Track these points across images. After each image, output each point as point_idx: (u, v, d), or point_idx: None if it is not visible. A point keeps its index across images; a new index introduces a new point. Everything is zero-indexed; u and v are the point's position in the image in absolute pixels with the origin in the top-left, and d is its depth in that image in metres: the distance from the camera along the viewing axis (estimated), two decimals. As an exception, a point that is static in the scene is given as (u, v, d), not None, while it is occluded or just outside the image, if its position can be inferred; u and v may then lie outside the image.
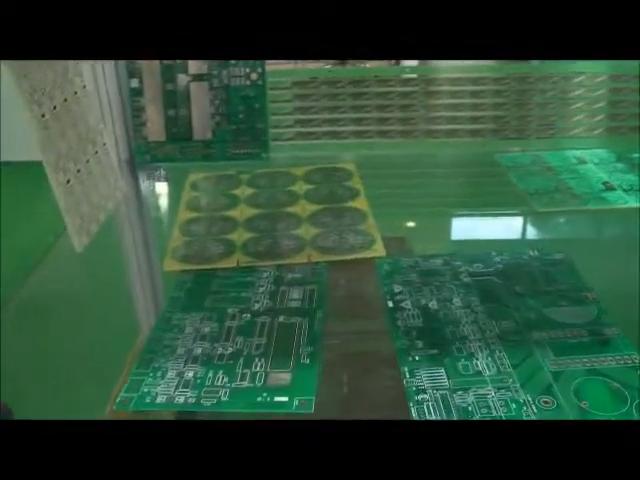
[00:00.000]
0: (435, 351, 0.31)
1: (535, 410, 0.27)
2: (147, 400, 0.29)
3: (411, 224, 0.45)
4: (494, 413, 0.27)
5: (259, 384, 0.29)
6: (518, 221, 0.45)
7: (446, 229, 0.44)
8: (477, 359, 0.30)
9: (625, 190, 0.42)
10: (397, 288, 0.35)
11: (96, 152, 0.44)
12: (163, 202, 0.49)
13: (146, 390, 0.29)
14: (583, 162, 0.47)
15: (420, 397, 0.28)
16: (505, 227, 0.44)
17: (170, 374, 0.30)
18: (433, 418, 0.27)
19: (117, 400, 0.29)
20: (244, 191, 0.47)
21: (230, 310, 0.34)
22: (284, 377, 0.30)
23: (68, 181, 0.40)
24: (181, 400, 0.29)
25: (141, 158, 0.50)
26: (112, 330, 0.35)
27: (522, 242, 0.40)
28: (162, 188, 0.51)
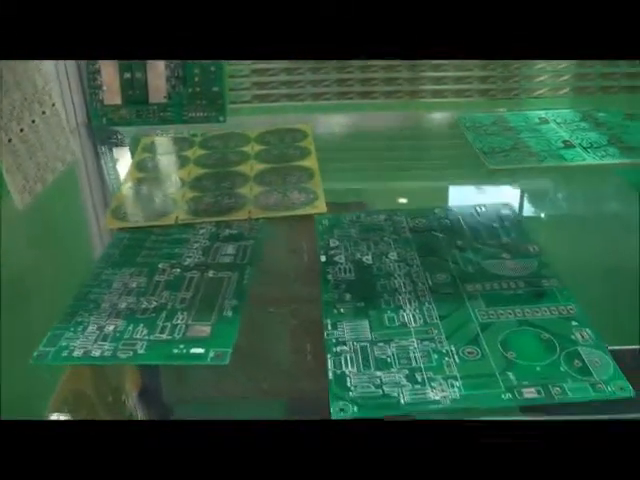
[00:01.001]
0: (362, 304, 0.30)
1: (457, 360, 0.26)
2: (64, 354, 0.28)
3: (367, 186, 0.44)
4: (413, 364, 0.26)
5: (178, 336, 0.28)
6: (469, 179, 0.43)
7: (401, 190, 0.43)
8: (404, 311, 0.29)
9: (584, 148, 0.41)
10: (333, 243, 0.34)
11: (43, 112, 0.43)
12: (118, 165, 0.48)
13: (64, 344, 0.29)
14: (545, 122, 0.45)
15: (339, 349, 0.27)
16: (456, 185, 0.43)
17: (91, 328, 0.29)
18: (349, 370, 0.26)
19: (34, 354, 0.29)
20: (195, 152, 0.46)
21: (161, 265, 0.33)
22: (204, 329, 0.29)
23: (10, 140, 0.39)
24: (97, 353, 0.28)
25: (97, 121, 0.50)
26: (57, 288, 0.35)
27: (470, 199, 0.39)
28: (118, 151, 0.50)
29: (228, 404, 0.31)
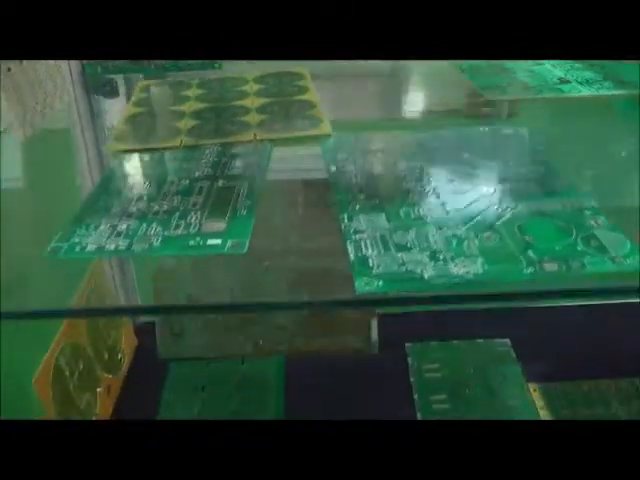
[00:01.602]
0: (376, 201, 0.30)
1: (477, 243, 0.26)
2: (77, 249, 0.28)
3: (368, 120, 0.44)
4: (434, 247, 0.26)
5: (193, 231, 0.28)
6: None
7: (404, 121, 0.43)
8: (419, 206, 0.29)
9: (580, 82, 0.42)
10: (342, 156, 0.34)
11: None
12: (114, 108, 0.48)
13: (77, 240, 0.28)
14: (540, 64, 0.46)
15: (358, 236, 0.27)
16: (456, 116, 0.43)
17: (103, 227, 0.29)
18: (371, 252, 0.26)
19: (48, 249, 0.28)
20: (194, 92, 0.45)
21: (169, 178, 0.33)
22: (219, 225, 0.28)
23: (9, 69, 0.39)
24: (112, 247, 0.28)
25: (91, 69, 0.49)
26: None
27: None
28: (114, 99, 0.49)
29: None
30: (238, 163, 0.34)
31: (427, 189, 0.31)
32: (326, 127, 0.37)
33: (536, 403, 0.43)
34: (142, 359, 0.49)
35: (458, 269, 0.25)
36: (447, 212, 0.29)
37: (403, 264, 0.25)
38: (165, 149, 0.36)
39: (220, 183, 0.32)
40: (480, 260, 0.25)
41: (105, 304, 0.46)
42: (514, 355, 0.47)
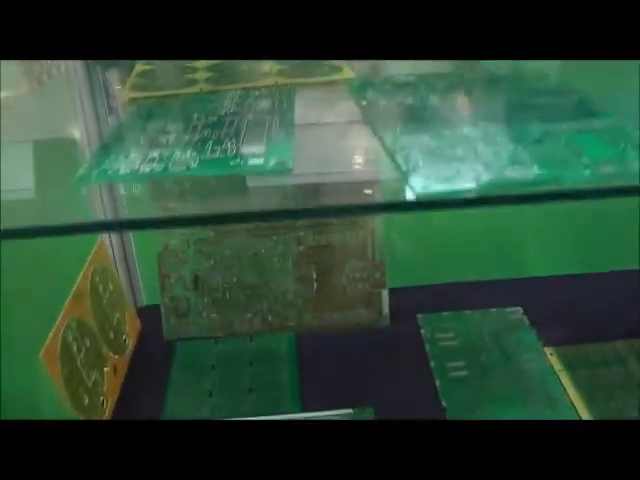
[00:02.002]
0: (415, 124, 0.29)
1: (529, 154, 0.26)
2: (109, 173, 0.26)
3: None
4: (485, 158, 0.26)
5: (231, 154, 0.27)
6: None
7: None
8: (463, 127, 0.29)
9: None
10: (370, 93, 0.34)
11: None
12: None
13: (107, 166, 0.27)
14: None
15: (404, 152, 0.26)
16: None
17: (134, 154, 0.28)
18: (420, 164, 0.25)
19: (75, 177, 0.26)
20: (202, 74, 0.44)
21: (196, 115, 0.32)
22: (258, 148, 0.28)
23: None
24: (147, 170, 0.26)
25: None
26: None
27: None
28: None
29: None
30: (264, 103, 0.33)
31: (467, 113, 0.30)
32: (348, 72, 0.37)
33: (555, 367, 0.42)
34: (147, 342, 0.47)
35: (514, 173, 0.24)
36: (492, 130, 0.28)
37: (457, 171, 0.25)
38: (185, 95, 0.35)
39: (250, 117, 0.31)
40: (535, 166, 0.25)
41: (109, 284, 0.44)
42: (527, 322, 0.46)
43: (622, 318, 0.45)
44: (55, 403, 0.39)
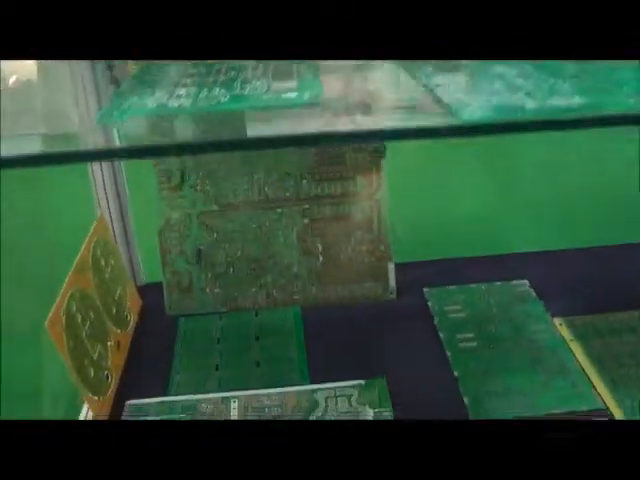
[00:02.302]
0: (448, 65, 0.29)
1: (569, 86, 0.25)
2: (135, 108, 0.25)
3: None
4: (527, 89, 0.25)
5: (262, 90, 0.26)
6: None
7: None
8: (495, 66, 0.28)
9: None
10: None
11: None
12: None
13: (128, 106, 0.26)
14: None
15: (441, 88, 0.26)
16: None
17: (159, 94, 0.26)
18: (463, 96, 0.25)
19: (97, 116, 0.25)
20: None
21: (216, 67, 0.31)
22: (290, 84, 0.27)
23: None
24: (175, 105, 0.25)
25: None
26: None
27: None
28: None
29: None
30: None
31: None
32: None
33: (565, 337, 0.42)
34: (148, 319, 0.45)
35: (558, 101, 0.24)
36: (527, 69, 0.28)
37: (502, 100, 0.24)
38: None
39: (271, 71, 0.30)
40: (577, 95, 0.24)
41: (110, 258, 0.43)
42: (534, 294, 0.46)
43: (631, 290, 0.45)
44: (58, 378, 0.38)
